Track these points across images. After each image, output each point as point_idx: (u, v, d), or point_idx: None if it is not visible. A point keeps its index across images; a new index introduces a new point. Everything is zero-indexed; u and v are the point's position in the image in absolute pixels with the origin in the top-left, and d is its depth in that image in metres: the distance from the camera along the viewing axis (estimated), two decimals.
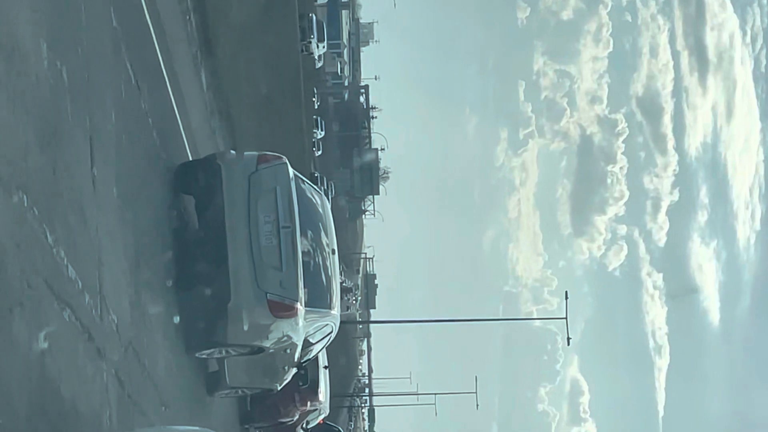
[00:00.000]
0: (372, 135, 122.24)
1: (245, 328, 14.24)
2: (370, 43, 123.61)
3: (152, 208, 13.64)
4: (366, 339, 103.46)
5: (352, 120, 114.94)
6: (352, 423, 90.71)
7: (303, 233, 14.83)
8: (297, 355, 16.32)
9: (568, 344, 43.83)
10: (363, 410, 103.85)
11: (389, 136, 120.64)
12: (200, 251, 14.47)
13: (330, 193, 78.83)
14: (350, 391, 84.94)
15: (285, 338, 15.15)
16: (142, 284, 12.30)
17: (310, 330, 15.72)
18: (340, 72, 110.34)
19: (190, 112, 18.41)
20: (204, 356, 15.50)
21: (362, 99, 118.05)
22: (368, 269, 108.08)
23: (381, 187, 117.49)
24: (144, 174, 13.24)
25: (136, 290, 12.01)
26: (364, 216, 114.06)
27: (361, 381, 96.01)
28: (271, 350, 15.30)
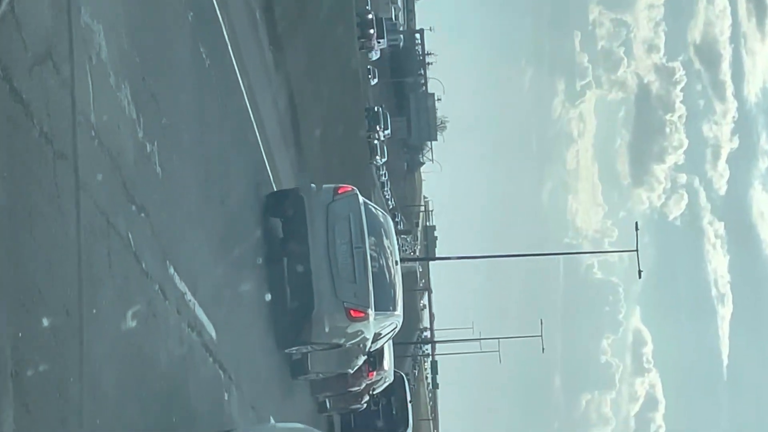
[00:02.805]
0: (428, 80, 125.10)
1: (326, 330, 18.38)
2: None
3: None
4: (427, 293, 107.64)
5: (408, 66, 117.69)
6: (416, 371, 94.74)
7: (371, 248, 18.87)
8: (368, 347, 20.42)
9: (640, 277, 44.19)
10: (426, 362, 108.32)
11: (444, 88, 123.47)
12: (288, 268, 18.61)
13: (387, 132, 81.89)
14: (413, 340, 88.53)
15: (358, 335, 19.24)
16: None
17: (379, 327, 19.81)
18: (395, 18, 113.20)
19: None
20: (292, 351, 19.64)
21: (417, 47, 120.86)
22: (427, 221, 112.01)
23: (438, 135, 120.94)
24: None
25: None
26: (421, 168, 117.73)
27: (423, 334, 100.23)
28: (347, 345, 19.41)
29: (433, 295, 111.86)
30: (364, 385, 27.89)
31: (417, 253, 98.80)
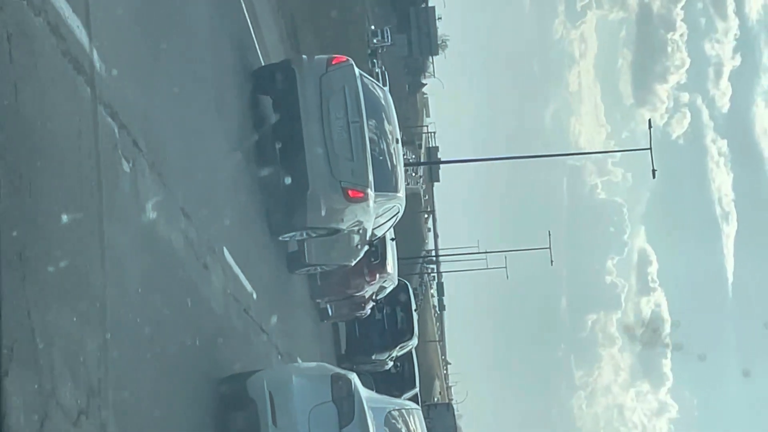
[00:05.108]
0: None
1: (323, 213, 17.24)
2: None
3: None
4: (431, 214, 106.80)
5: None
6: (423, 288, 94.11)
7: (370, 126, 17.70)
8: (369, 234, 19.33)
9: (654, 177, 42.50)
10: (432, 284, 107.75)
11: (442, 11, 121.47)
12: (279, 146, 17.44)
13: (386, 40, 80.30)
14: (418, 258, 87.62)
15: (358, 220, 18.14)
16: None
17: (380, 211, 18.70)
18: None
19: None
20: (287, 239, 18.56)
21: None
22: (430, 143, 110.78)
23: (440, 52, 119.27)
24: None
25: None
26: (423, 89, 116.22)
27: (429, 257, 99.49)
28: (345, 231, 18.32)
29: (437, 217, 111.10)
30: (366, 289, 26.95)
31: (421, 174, 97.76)
